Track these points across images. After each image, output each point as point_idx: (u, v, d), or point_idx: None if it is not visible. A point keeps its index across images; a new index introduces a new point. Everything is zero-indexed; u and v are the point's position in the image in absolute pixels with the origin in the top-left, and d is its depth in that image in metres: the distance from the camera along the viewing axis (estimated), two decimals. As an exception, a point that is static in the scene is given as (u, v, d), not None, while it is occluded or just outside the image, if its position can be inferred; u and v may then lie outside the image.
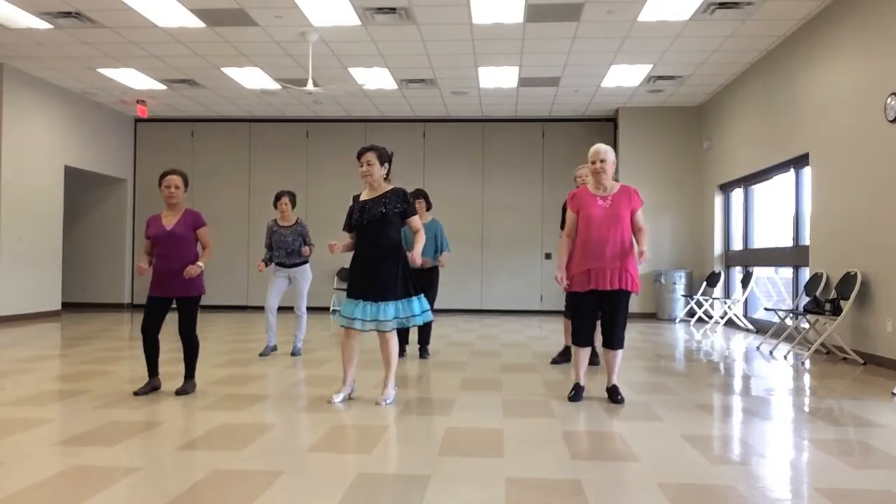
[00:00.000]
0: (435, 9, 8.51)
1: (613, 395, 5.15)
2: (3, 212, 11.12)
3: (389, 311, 4.89)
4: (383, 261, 4.89)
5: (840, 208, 8.03)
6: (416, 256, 4.93)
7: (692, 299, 12.29)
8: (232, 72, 11.24)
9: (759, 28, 9.05)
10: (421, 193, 7.47)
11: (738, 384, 6.15)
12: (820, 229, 8.54)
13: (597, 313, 5.21)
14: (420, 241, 5.00)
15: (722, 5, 8.29)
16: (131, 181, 14.87)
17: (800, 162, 9.26)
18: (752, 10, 8.45)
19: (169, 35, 9.53)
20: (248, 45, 9.94)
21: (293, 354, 7.50)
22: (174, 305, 5.32)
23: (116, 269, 14.50)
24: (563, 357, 7.09)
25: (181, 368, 5.78)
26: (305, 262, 7.49)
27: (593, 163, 5.09)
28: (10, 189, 11.24)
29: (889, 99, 7.03)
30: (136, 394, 5.21)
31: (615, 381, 5.20)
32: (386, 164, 5.00)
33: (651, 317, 13.31)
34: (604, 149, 5.10)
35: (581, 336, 5.19)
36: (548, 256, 14.33)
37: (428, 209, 7.49)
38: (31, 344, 8.40)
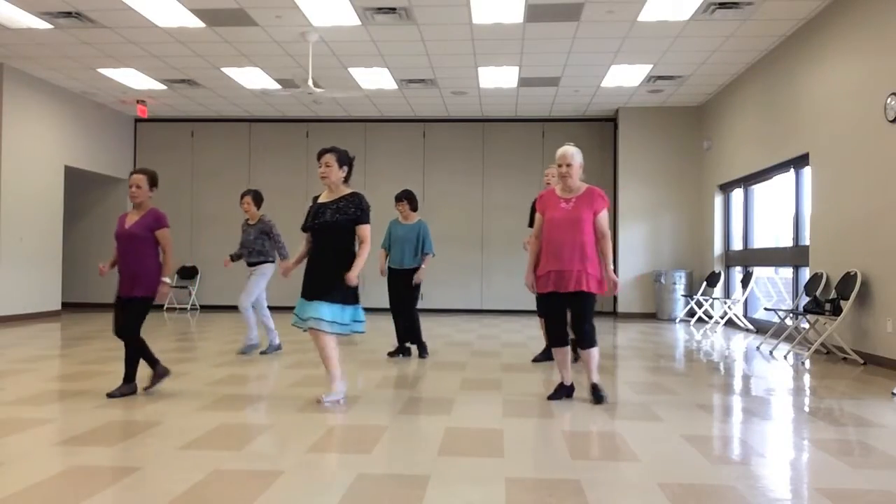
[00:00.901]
0: (435, 9, 8.51)
1: (594, 393, 5.12)
2: (3, 212, 11.12)
3: (324, 311, 4.81)
4: (332, 264, 4.83)
5: (840, 208, 8.03)
6: (353, 276, 4.79)
7: (692, 299, 12.29)
8: (232, 72, 11.24)
9: (759, 28, 9.05)
10: (405, 195, 7.46)
11: (738, 384, 6.15)
12: (820, 229, 8.54)
13: (565, 313, 5.16)
14: (363, 253, 4.88)
15: (722, 5, 8.29)
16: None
17: (800, 162, 9.26)
18: (752, 10, 8.45)
19: (169, 35, 9.53)
20: (248, 45, 9.94)
21: (243, 353, 7.51)
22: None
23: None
24: (544, 355, 7.14)
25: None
26: (266, 261, 7.48)
27: (560, 166, 5.10)
28: (10, 189, 11.24)
29: (889, 99, 7.03)
30: (109, 396, 5.15)
31: (595, 378, 5.17)
32: (345, 167, 4.94)
33: (651, 317, 13.32)
34: (570, 152, 5.09)
35: (553, 336, 5.19)
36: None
37: (413, 210, 7.47)
38: (31, 344, 8.40)
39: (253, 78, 11.54)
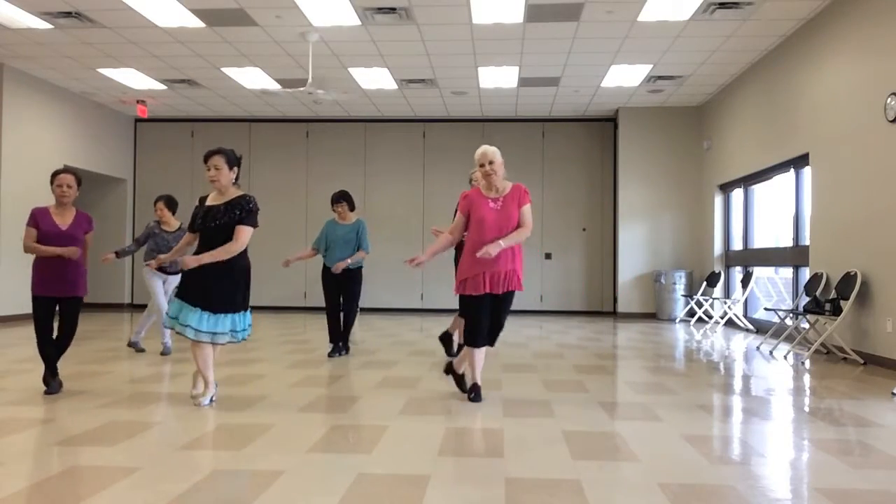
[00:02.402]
0: (435, 9, 8.51)
1: (477, 392, 5.13)
2: (3, 212, 11.12)
3: (227, 323, 4.76)
4: (225, 270, 4.72)
5: (840, 208, 8.03)
6: (190, 261, 4.61)
7: (692, 299, 12.29)
8: (232, 72, 11.24)
9: (759, 28, 9.05)
10: (344, 196, 7.50)
11: (738, 384, 6.15)
12: (820, 229, 8.54)
13: (489, 313, 5.12)
14: (224, 253, 4.66)
15: (722, 5, 8.29)
16: (131, 181, 14.87)
17: (800, 162, 9.26)
18: (752, 10, 8.45)
19: (169, 35, 9.53)
20: (248, 45, 9.94)
21: (135, 347, 7.67)
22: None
23: (116, 270, 14.49)
24: (448, 342, 7.11)
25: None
26: (181, 271, 7.48)
27: (482, 165, 5.02)
28: (11, 189, 11.24)
29: (889, 99, 7.03)
30: (47, 394, 5.20)
31: (479, 378, 5.18)
32: (235, 168, 4.84)
33: (651, 317, 13.32)
34: (491, 150, 5.03)
35: (479, 337, 5.09)
36: (548, 256, 14.32)
37: (351, 210, 7.54)
38: (30, 344, 8.40)
39: (253, 78, 11.54)
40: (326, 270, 7.47)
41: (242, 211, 4.75)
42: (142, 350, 7.71)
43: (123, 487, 3.13)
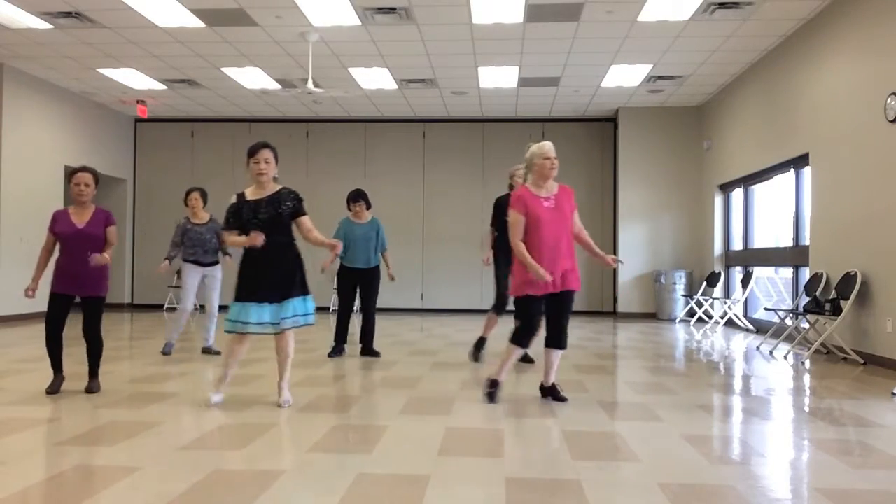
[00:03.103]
0: (435, 9, 8.51)
1: (555, 393, 5.14)
2: (3, 212, 11.12)
3: (289, 309, 4.79)
4: (283, 259, 4.80)
5: (840, 208, 8.03)
6: (329, 243, 4.84)
7: (692, 299, 12.29)
8: (232, 72, 11.24)
9: (759, 28, 9.05)
10: (361, 195, 7.45)
11: (738, 384, 6.15)
12: (820, 229, 8.54)
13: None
14: (318, 237, 4.85)
15: (722, 5, 8.29)
16: (131, 181, 14.87)
17: (800, 162, 9.26)
18: (752, 10, 8.45)
19: (169, 35, 9.53)
20: (248, 45, 9.94)
21: (209, 352, 7.46)
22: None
23: (116, 270, 14.48)
24: (480, 349, 7.13)
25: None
26: (218, 261, 7.47)
27: (548, 158, 4.97)
28: (10, 189, 11.24)
29: (889, 99, 7.03)
30: (48, 393, 5.19)
31: (553, 379, 5.19)
32: (276, 164, 4.95)
33: (651, 317, 13.32)
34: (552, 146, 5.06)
35: (529, 339, 5.03)
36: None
37: (368, 208, 7.49)
38: (31, 344, 8.40)
39: (253, 78, 11.54)
40: (345, 270, 7.38)
41: (294, 202, 4.86)
42: (168, 353, 7.49)
43: (123, 487, 3.13)
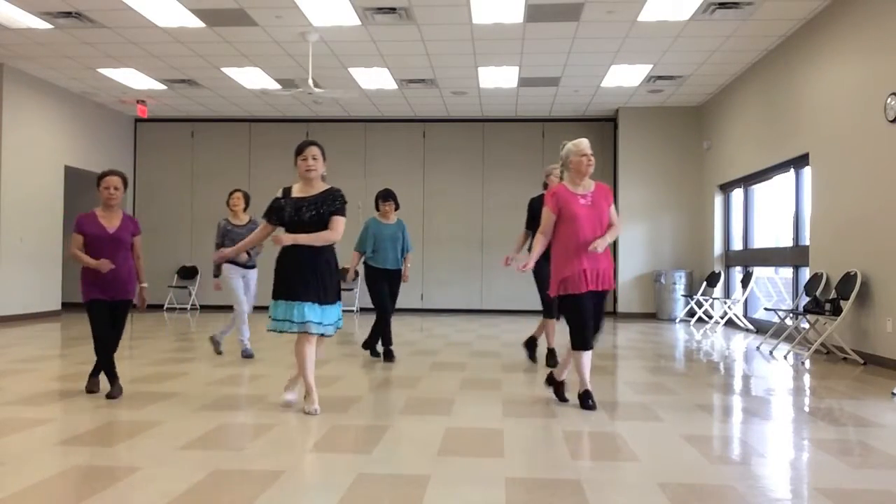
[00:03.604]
0: (435, 9, 8.51)
1: (583, 399, 4.93)
2: (4, 212, 11.12)
3: (333, 314, 4.73)
4: (326, 262, 4.72)
5: (840, 208, 8.03)
6: (287, 238, 4.60)
7: (692, 299, 12.29)
8: (232, 72, 11.24)
9: (759, 28, 9.05)
10: (391, 195, 7.35)
11: (738, 384, 6.15)
12: (820, 229, 8.54)
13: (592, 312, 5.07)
14: (331, 238, 4.67)
15: (722, 5, 8.28)
16: (131, 181, 14.85)
17: (800, 162, 9.26)
18: (752, 10, 8.45)
19: (169, 35, 9.53)
20: (248, 45, 9.94)
21: (246, 356, 7.35)
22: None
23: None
24: (553, 359, 6.94)
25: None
26: (255, 265, 7.45)
27: (584, 155, 4.93)
28: (10, 189, 11.24)
29: (889, 99, 7.03)
30: (108, 397, 5.12)
31: (589, 385, 4.98)
32: (325, 162, 4.86)
33: (651, 317, 13.31)
34: (589, 143, 5.03)
35: (587, 340, 4.91)
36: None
37: (396, 209, 7.37)
38: (31, 344, 8.40)
39: (253, 78, 11.54)
40: (376, 271, 7.17)
41: (341, 202, 4.77)
42: (220, 352, 7.45)
43: (123, 487, 3.13)
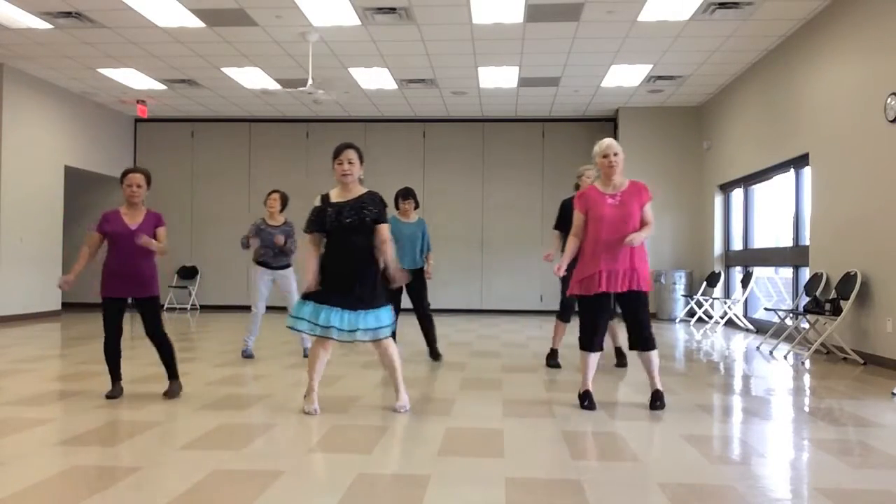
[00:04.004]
0: (435, 9, 8.51)
1: (658, 399, 4.89)
2: (3, 212, 11.12)
3: (384, 317, 4.66)
4: (367, 267, 4.64)
5: (840, 208, 8.03)
6: (396, 272, 4.65)
7: (692, 299, 12.28)
8: (232, 72, 11.24)
9: (759, 28, 9.05)
10: (410, 193, 7.29)
11: (738, 384, 6.15)
12: (820, 229, 8.54)
13: (608, 315, 5.05)
14: (390, 251, 4.69)
15: (722, 5, 8.29)
16: (131, 181, 14.83)
17: (800, 162, 9.26)
18: (752, 11, 8.45)
19: (169, 35, 9.53)
20: (248, 45, 9.94)
21: (246, 356, 7.33)
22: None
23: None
24: (553, 359, 6.99)
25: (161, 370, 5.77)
26: (290, 264, 7.39)
27: (606, 156, 4.90)
28: (10, 189, 11.24)
29: (889, 99, 7.03)
30: (108, 397, 5.10)
31: (658, 384, 4.96)
32: (362, 165, 4.80)
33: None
34: (615, 143, 4.97)
35: (594, 342, 4.94)
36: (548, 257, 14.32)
37: (416, 207, 7.32)
38: (31, 344, 8.40)
39: (253, 78, 11.54)
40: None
41: (381, 207, 4.72)
42: (250, 356, 7.36)
43: (123, 487, 3.13)
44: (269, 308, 7.85)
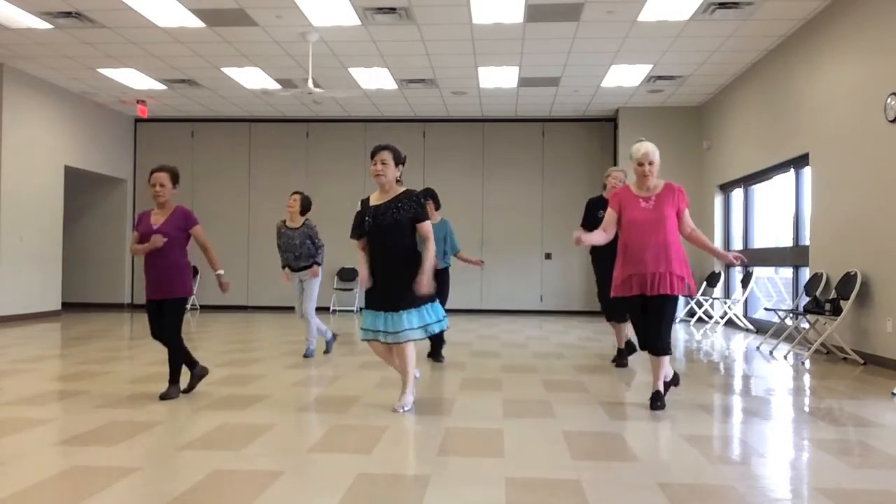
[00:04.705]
0: (435, 9, 8.51)
1: (655, 399, 4.90)
2: (3, 212, 11.12)
3: (413, 319, 4.65)
4: (402, 268, 4.63)
5: (840, 208, 8.03)
6: (428, 273, 4.64)
7: (692, 299, 12.28)
8: (232, 72, 11.24)
9: (759, 28, 9.05)
10: (430, 193, 7.12)
11: (738, 384, 6.15)
12: (820, 229, 8.54)
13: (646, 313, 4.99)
14: (430, 251, 4.70)
15: (722, 5, 8.28)
16: (131, 181, 14.86)
17: (800, 162, 9.26)
18: (752, 11, 8.45)
19: (169, 35, 9.53)
20: (248, 45, 9.94)
21: (306, 356, 7.32)
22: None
23: (116, 270, 14.49)
24: (622, 358, 7.01)
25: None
26: (312, 264, 7.32)
27: (641, 164, 4.83)
28: (10, 189, 11.24)
29: (889, 99, 7.03)
30: (162, 398, 5.08)
31: (660, 386, 4.95)
32: (400, 166, 4.76)
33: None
34: (653, 150, 4.85)
35: (643, 340, 4.97)
36: (548, 256, 14.33)
37: (437, 209, 7.19)
38: (31, 344, 8.40)
39: (253, 78, 11.54)
40: None
41: (417, 207, 4.70)
42: (310, 355, 7.36)
43: (123, 487, 3.13)
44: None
